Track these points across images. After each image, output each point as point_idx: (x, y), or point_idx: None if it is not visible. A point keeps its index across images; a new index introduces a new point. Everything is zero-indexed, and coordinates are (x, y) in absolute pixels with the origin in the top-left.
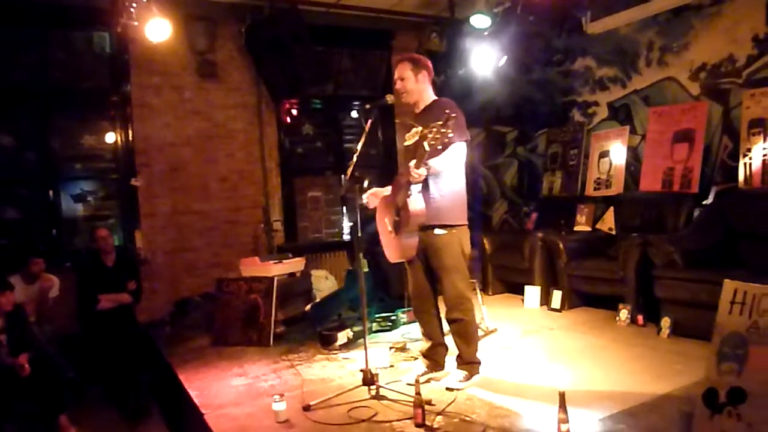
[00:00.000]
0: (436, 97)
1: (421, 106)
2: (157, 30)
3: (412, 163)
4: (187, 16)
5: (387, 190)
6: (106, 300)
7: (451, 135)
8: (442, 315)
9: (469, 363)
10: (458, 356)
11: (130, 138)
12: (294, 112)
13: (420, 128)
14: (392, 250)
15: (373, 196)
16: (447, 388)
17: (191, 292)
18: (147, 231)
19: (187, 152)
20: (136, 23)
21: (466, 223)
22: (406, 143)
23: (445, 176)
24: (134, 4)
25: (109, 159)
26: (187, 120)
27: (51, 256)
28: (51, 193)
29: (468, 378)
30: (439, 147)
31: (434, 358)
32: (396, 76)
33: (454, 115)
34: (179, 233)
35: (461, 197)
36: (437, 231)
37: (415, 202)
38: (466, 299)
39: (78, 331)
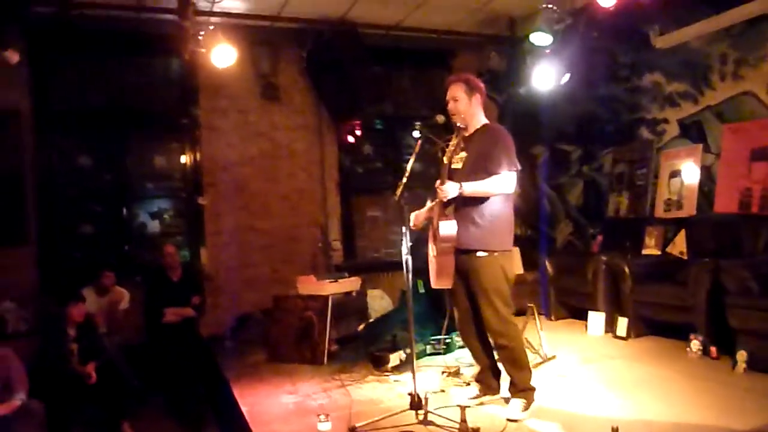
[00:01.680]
0: (487, 122)
1: (471, 130)
2: (223, 56)
3: (438, 182)
4: (251, 41)
5: (423, 212)
6: (171, 313)
7: (466, 155)
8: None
9: (523, 390)
10: (511, 384)
11: (198, 158)
12: (357, 132)
13: (464, 152)
14: (433, 274)
15: (414, 218)
16: (508, 420)
17: (252, 308)
18: (211, 248)
19: (251, 172)
20: (203, 50)
21: (511, 249)
22: (453, 166)
23: (490, 201)
24: (201, 32)
25: (178, 178)
26: (251, 141)
27: (122, 270)
28: (124, 210)
29: (527, 406)
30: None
31: (486, 382)
32: (448, 96)
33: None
34: (241, 250)
35: (506, 222)
36: (479, 254)
37: (446, 227)
38: (510, 324)
39: (145, 341)
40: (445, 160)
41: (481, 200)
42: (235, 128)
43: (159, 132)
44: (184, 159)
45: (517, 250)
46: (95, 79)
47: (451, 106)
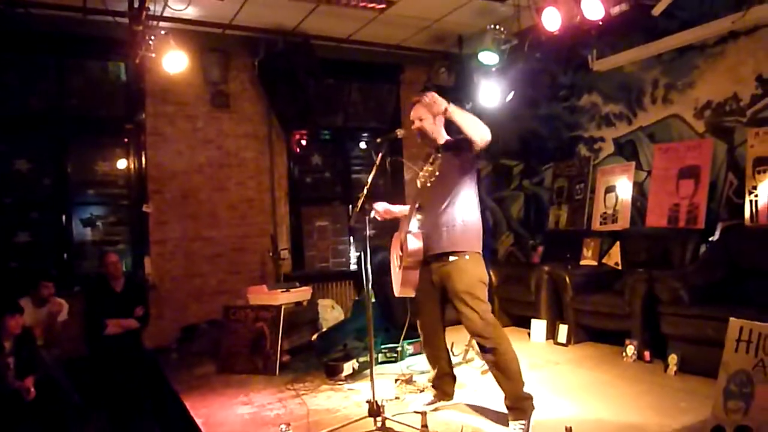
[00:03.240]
0: (449, 137)
1: (436, 146)
2: (174, 62)
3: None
4: (203, 48)
5: (399, 209)
6: (114, 325)
7: (437, 173)
8: (449, 347)
9: (519, 401)
10: (505, 398)
11: (143, 165)
12: (303, 142)
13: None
14: (396, 284)
15: (383, 211)
16: None
17: (198, 319)
18: (156, 257)
19: (199, 180)
20: (153, 55)
21: (480, 251)
22: (419, 180)
23: (461, 207)
24: (153, 37)
25: (122, 185)
26: (199, 148)
27: (61, 280)
28: (63, 217)
29: (528, 421)
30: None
31: (442, 388)
32: (413, 116)
33: (439, 155)
34: (187, 259)
35: (475, 226)
36: (451, 258)
37: (413, 240)
38: (493, 325)
39: (85, 354)
40: (418, 184)
41: (451, 205)
42: (183, 135)
43: (102, 137)
44: (129, 165)
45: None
46: (36, 80)
47: (416, 125)
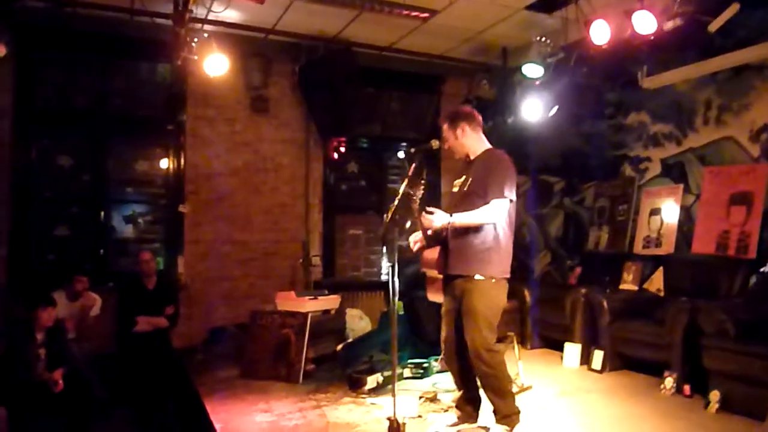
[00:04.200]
0: (490, 147)
1: (472, 157)
2: (215, 65)
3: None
4: (245, 52)
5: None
6: (144, 322)
7: (467, 186)
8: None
9: (506, 416)
10: (493, 411)
11: (181, 166)
12: (341, 149)
13: (465, 178)
14: (428, 287)
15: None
16: None
17: (226, 321)
18: (189, 257)
19: (234, 183)
20: (195, 57)
21: (507, 277)
22: (453, 190)
23: (487, 229)
24: (195, 39)
25: (160, 185)
26: (237, 152)
27: (95, 276)
28: (102, 213)
29: (511, 430)
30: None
31: (465, 410)
32: (442, 136)
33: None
34: (220, 261)
35: (502, 250)
36: (476, 277)
37: (430, 250)
38: (492, 351)
39: (114, 351)
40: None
41: (479, 228)
42: (221, 138)
43: (143, 136)
44: (167, 165)
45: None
46: (81, 79)
47: (445, 146)
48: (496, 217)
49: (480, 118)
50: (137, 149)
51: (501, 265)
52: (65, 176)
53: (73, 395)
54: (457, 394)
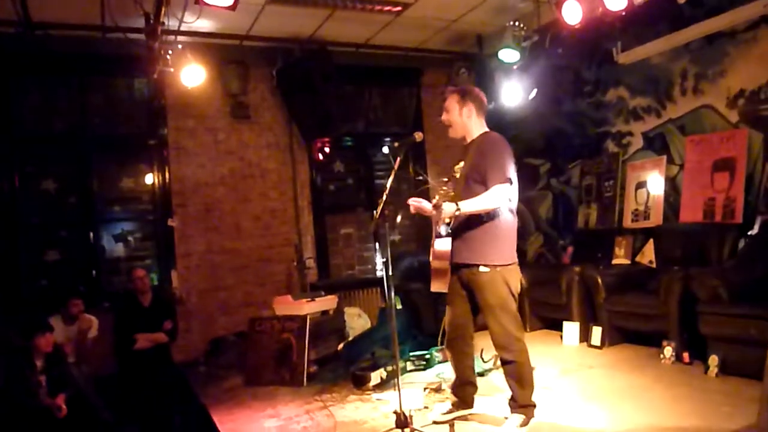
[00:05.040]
0: (486, 131)
1: (468, 140)
2: (192, 75)
3: (434, 201)
4: (221, 60)
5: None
6: (143, 339)
7: (467, 171)
8: (476, 354)
9: (524, 406)
10: (512, 398)
11: (167, 180)
12: (326, 150)
13: (463, 164)
14: (432, 279)
15: (418, 204)
16: None
17: (225, 331)
18: (182, 271)
19: (221, 192)
20: (171, 69)
21: (515, 261)
22: (455, 174)
23: (489, 215)
24: (170, 52)
25: (147, 201)
26: (221, 160)
27: (90, 297)
28: (91, 234)
29: (525, 423)
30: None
31: (461, 396)
32: (444, 105)
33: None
34: (213, 272)
35: (506, 235)
36: (481, 269)
37: (441, 243)
38: (516, 339)
39: (115, 371)
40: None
41: (479, 214)
42: (205, 148)
43: (126, 154)
44: (152, 180)
45: (517, 265)
46: (59, 100)
47: (443, 117)
48: (501, 201)
49: (486, 104)
50: (121, 167)
51: (505, 250)
52: (51, 200)
53: (79, 419)
54: (454, 380)
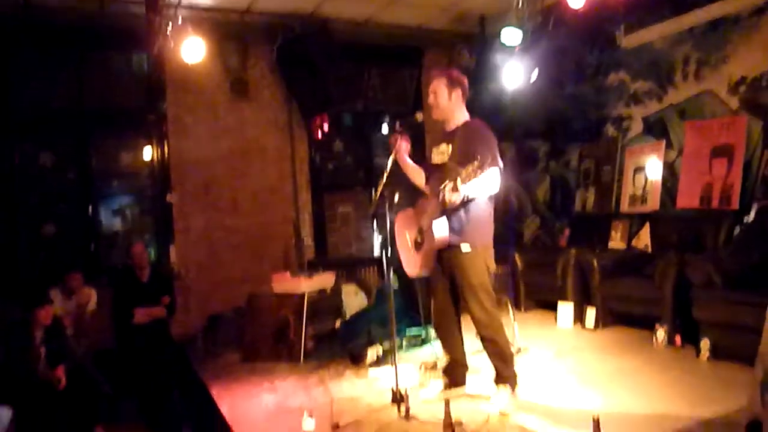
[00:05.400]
0: (469, 119)
1: (452, 126)
2: (192, 51)
3: (447, 186)
4: (221, 36)
5: (413, 166)
6: (142, 314)
7: (480, 173)
8: (465, 334)
9: (508, 377)
10: (497, 374)
11: (166, 155)
12: (325, 128)
13: (447, 147)
14: (411, 265)
15: (402, 150)
16: (501, 413)
17: (223, 307)
18: (180, 246)
19: (220, 169)
20: (172, 44)
21: (491, 243)
22: (433, 160)
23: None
24: (170, 25)
25: (145, 176)
26: (220, 137)
27: (88, 271)
28: (90, 209)
29: (513, 392)
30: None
31: (452, 375)
32: (430, 89)
33: (487, 158)
34: (211, 248)
35: (487, 217)
36: (464, 249)
37: (440, 228)
38: (495, 317)
39: (113, 345)
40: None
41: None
42: (204, 124)
43: (124, 129)
44: (151, 156)
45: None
46: (57, 75)
47: (431, 99)
48: (496, 185)
49: (468, 90)
50: (120, 142)
51: (485, 232)
52: (50, 176)
53: (78, 391)
54: (445, 360)
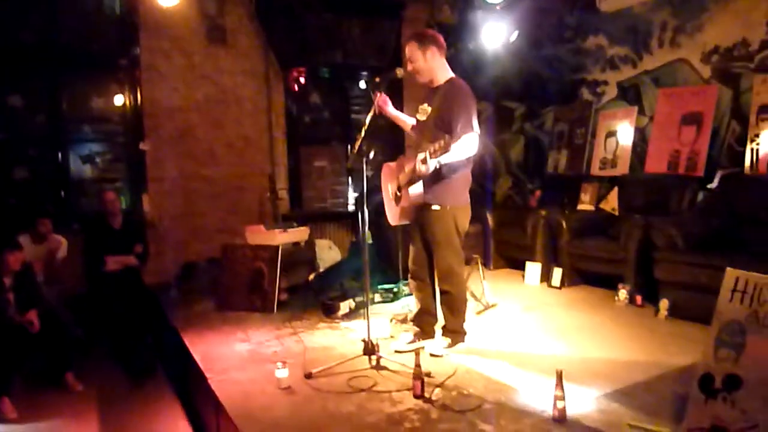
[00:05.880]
0: (453, 76)
1: (436, 84)
2: None
3: (421, 156)
4: None
5: (396, 114)
6: (113, 262)
7: (432, 114)
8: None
9: (453, 332)
10: (444, 325)
11: (139, 102)
12: (302, 80)
13: (427, 107)
14: (391, 215)
15: (383, 103)
16: (431, 354)
17: (197, 257)
18: (154, 195)
19: (195, 117)
20: None
21: (466, 203)
22: (417, 116)
23: (447, 163)
24: None
25: (118, 122)
26: (196, 85)
27: (59, 217)
28: (60, 154)
29: (451, 346)
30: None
31: (421, 325)
32: (406, 57)
33: (448, 142)
34: (186, 198)
35: (463, 179)
36: (433, 207)
37: (415, 187)
38: (456, 274)
39: (85, 291)
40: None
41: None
42: (179, 71)
43: (96, 72)
44: (123, 101)
45: (469, 206)
46: (26, 13)
47: (409, 67)
48: (473, 150)
49: (444, 43)
50: (91, 86)
51: (458, 193)
52: (19, 117)
53: (50, 336)
54: (416, 310)
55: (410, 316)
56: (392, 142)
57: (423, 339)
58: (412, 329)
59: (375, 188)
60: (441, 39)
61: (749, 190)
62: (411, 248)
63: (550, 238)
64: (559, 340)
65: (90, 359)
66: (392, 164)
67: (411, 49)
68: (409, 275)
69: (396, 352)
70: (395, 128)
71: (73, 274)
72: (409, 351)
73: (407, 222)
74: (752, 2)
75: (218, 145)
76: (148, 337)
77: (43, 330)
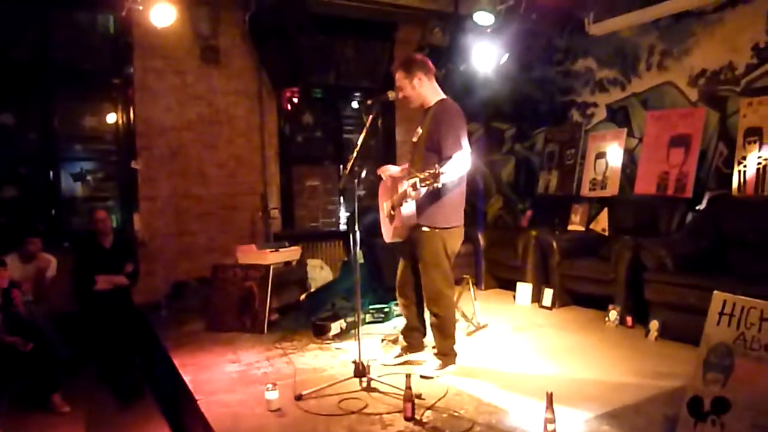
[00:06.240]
0: (443, 97)
1: (426, 106)
2: (162, 15)
3: (411, 182)
4: (192, 1)
5: (396, 169)
6: (103, 281)
7: (437, 185)
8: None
9: (444, 354)
10: (434, 347)
11: (131, 121)
12: (295, 100)
13: (419, 130)
14: (386, 233)
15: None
16: (421, 376)
17: (188, 276)
18: (145, 214)
19: (188, 137)
20: (140, 7)
21: (457, 225)
22: (413, 139)
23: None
24: None
25: (110, 141)
26: (189, 105)
27: (49, 236)
28: (51, 173)
29: (442, 367)
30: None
31: (409, 340)
32: (396, 86)
33: (441, 171)
34: (177, 217)
35: (453, 200)
36: (423, 228)
37: (407, 207)
38: (445, 296)
39: (74, 310)
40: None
41: None
42: (172, 90)
43: (89, 91)
44: (116, 120)
45: (461, 228)
46: (20, 32)
47: (399, 95)
48: (465, 168)
49: (432, 66)
50: (84, 104)
51: (448, 214)
52: (10, 135)
53: (38, 356)
54: (403, 325)
55: (399, 330)
56: (385, 163)
57: (410, 353)
58: (400, 342)
59: (367, 208)
60: (428, 63)
61: (736, 211)
62: (400, 264)
63: (541, 259)
64: (550, 361)
65: (78, 379)
66: (389, 181)
67: (398, 78)
68: (396, 291)
69: (383, 365)
70: (387, 149)
71: (63, 293)
72: (396, 365)
73: (400, 240)
74: (738, 27)
75: (210, 165)
76: (136, 357)
77: (30, 350)
